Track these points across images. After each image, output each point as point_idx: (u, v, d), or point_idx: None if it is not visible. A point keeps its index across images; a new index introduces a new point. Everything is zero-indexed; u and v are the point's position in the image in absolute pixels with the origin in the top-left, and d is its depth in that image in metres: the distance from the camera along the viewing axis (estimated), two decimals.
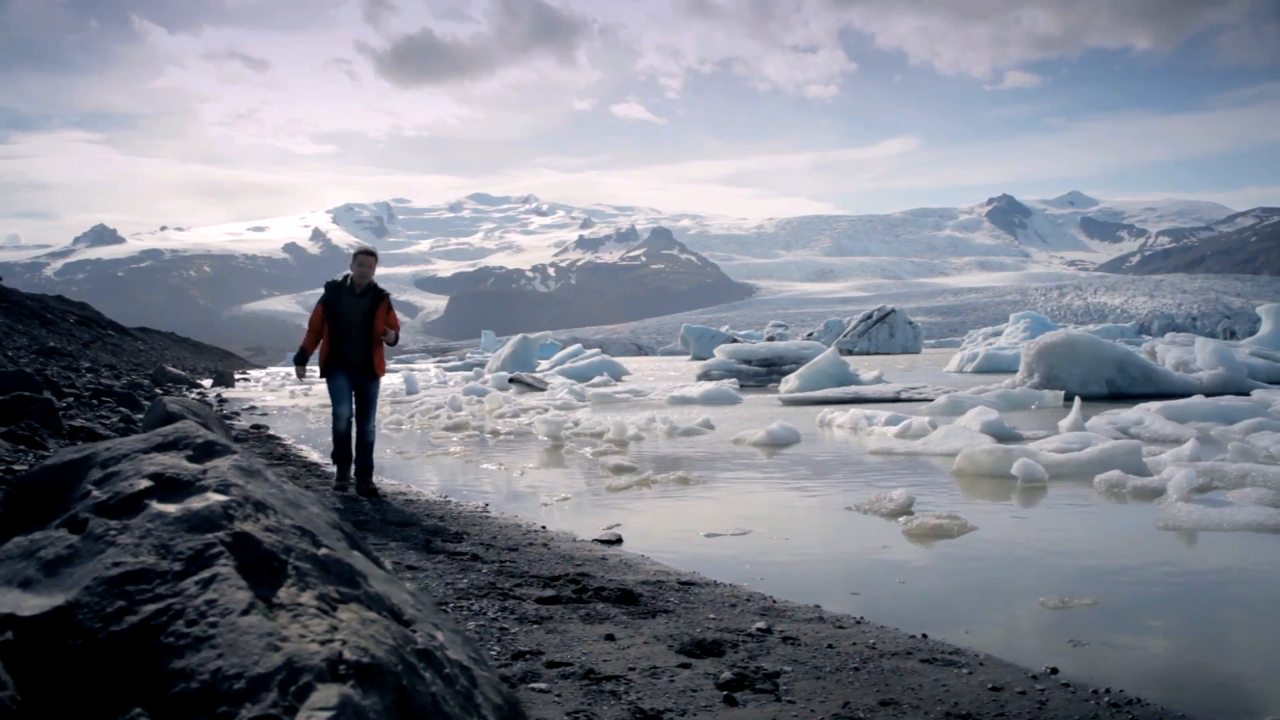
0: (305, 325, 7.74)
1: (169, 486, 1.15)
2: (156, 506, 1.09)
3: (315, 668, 0.92)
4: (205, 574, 1.00)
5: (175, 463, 1.20)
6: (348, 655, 0.95)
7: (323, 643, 0.95)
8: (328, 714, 0.88)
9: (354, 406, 7.51)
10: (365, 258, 7.53)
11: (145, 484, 1.13)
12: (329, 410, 7.78)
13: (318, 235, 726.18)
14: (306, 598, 1.02)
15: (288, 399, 27.18)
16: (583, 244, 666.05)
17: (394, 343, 7.50)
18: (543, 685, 2.74)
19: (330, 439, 7.79)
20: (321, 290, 7.57)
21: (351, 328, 7.31)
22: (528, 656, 3.03)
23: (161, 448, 1.26)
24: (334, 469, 7.79)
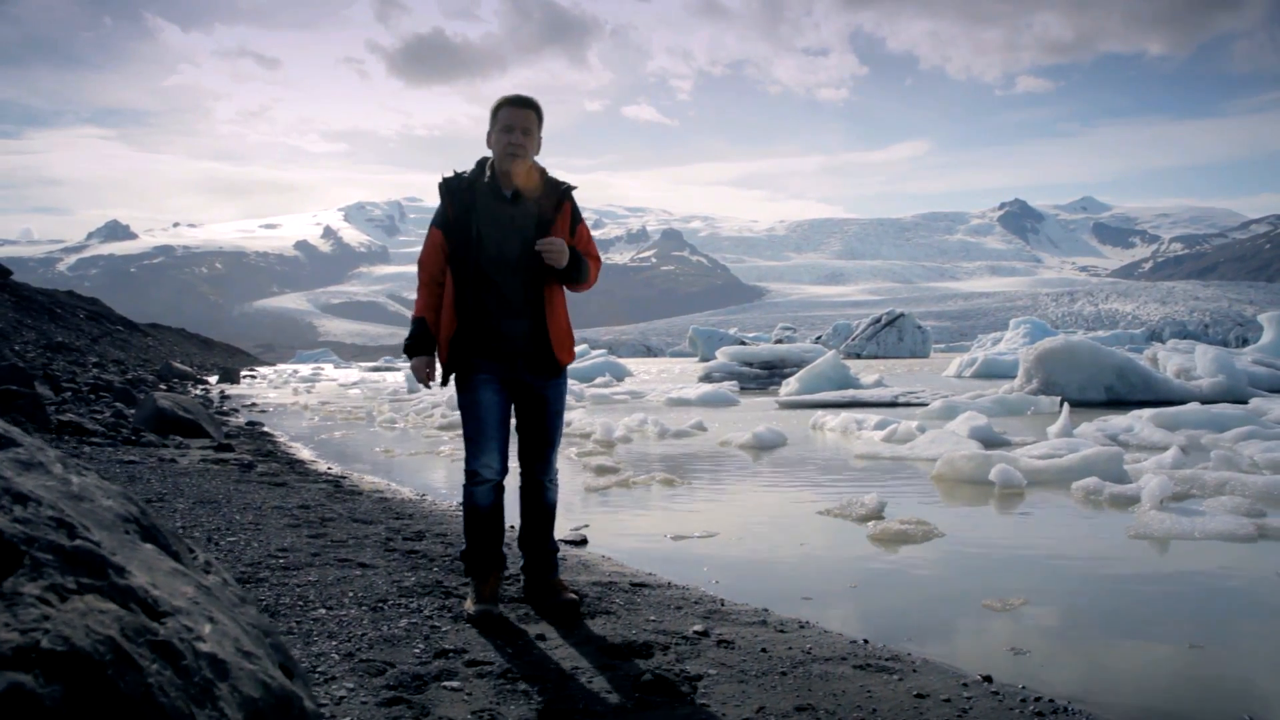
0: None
1: None
2: None
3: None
4: None
5: None
6: (45, 644, 0.95)
7: (24, 632, 0.96)
8: None
9: (517, 438, 3.95)
10: (518, 111, 3.62)
11: None
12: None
13: (329, 233, 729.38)
14: (32, 588, 1.02)
15: (290, 396, 27.42)
16: None
17: (584, 280, 3.70)
18: (456, 684, 2.72)
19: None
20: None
21: (504, 271, 3.59)
22: (450, 655, 3.01)
23: None
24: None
